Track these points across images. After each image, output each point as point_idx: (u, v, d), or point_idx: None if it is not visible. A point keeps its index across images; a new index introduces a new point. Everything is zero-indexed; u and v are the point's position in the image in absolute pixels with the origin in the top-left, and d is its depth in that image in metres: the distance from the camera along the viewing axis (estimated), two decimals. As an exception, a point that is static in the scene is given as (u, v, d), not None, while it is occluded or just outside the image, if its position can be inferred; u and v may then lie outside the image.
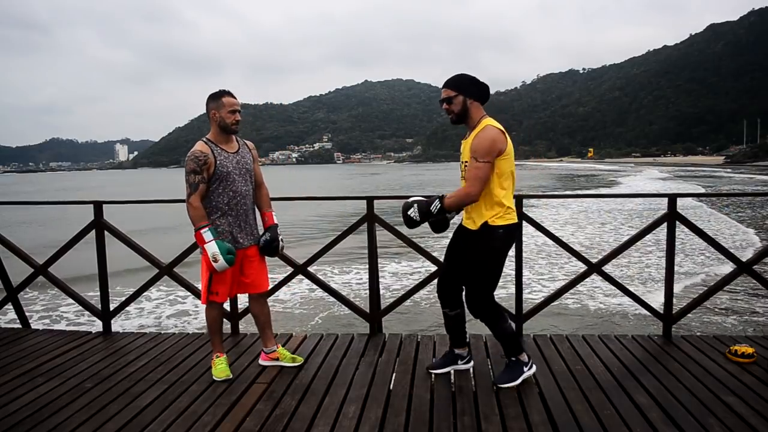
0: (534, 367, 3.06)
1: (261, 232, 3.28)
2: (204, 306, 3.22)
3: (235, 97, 3.11)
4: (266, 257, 3.31)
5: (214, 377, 3.14)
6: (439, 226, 2.99)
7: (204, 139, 3.09)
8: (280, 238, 3.24)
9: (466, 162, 2.87)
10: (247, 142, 3.29)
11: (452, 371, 3.17)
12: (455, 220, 3.10)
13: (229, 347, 3.71)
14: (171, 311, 8.07)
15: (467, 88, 2.87)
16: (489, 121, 2.83)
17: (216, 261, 2.93)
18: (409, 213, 2.91)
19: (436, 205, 2.84)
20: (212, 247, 2.93)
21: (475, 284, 2.92)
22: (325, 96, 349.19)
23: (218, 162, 3.03)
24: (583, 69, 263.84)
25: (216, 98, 3.07)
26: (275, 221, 3.29)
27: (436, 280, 4.24)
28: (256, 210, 3.30)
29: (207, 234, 2.95)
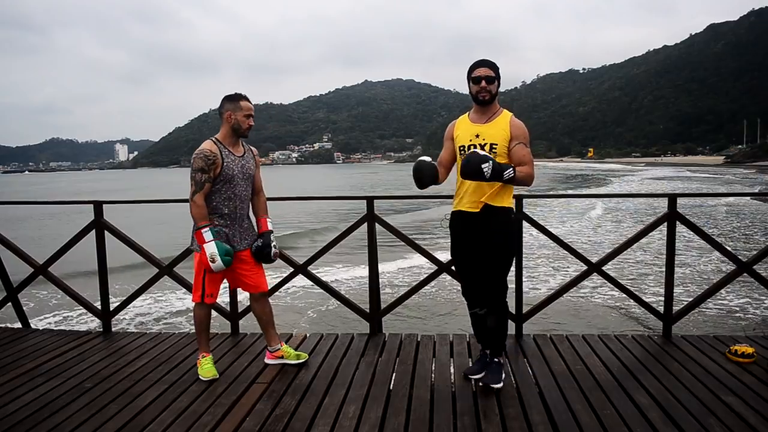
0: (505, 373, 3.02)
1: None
2: (192, 304, 3.25)
3: (251, 103, 3.15)
4: None
5: (200, 377, 3.14)
6: (428, 180, 2.91)
7: (213, 139, 3.10)
8: (273, 244, 3.26)
9: (494, 144, 2.84)
10: (252, 148, 3.32)
11: (452, 370, 3.16)
12: (445, 212, 3.07)
13: (229, 347, 3.71)
14: (171, 311, 8.08)
15: (499, 77, 2.93)
16: (510, 113, 2.92)
17: (213, 261, 2.95)
18: (483, 167, 2.65)
19: (509, 173, 2.73)
20: (211, 248, 2.95)
21: (502, 267, 2.91)
22: (325, 96, 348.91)
23: (225, 164, 3.05)
24: (583, 69, 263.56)
25: (234, 100, 3.09)
26: (269, 228, 3.31)
27: (435, 281, 4.27)
28: (251, 215, 3.33)
29: (207, 234, 2.97)
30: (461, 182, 2.93)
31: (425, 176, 2.90)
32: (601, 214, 19.45)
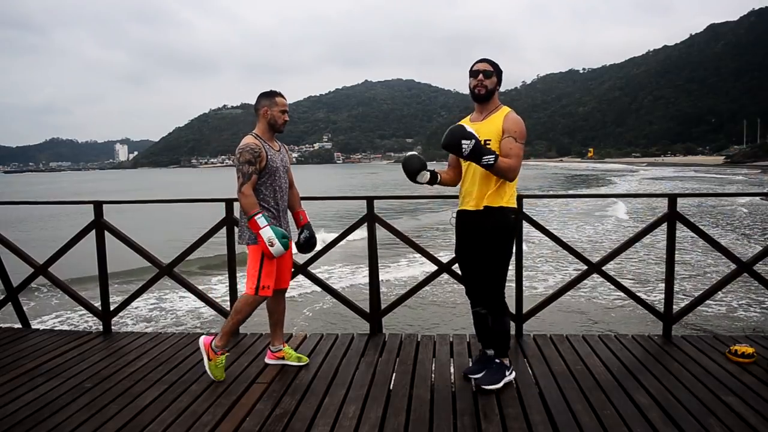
0: (514, 373, 3.00)
1: (293, 232, 3.37)
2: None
3: (286, 99, 3.21)
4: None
5: (209, 372, 3.10)
6: (415, 169, 2.93)
7: (252, 134, 3.17)
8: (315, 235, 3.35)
9: (487, 140, 2.84)
10: (284, 144, 3.39)
11: (452, 370, 3.16)
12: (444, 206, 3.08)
13: (229, 347, 3.70)
14: (171, 311, 8.08)
15: (500, 74, 2.95)
16: (510, 109, 2.91)
17: (272, 245, 2.97)
18: (462, 142, 2.65)
19: (489, 159, 2.70)
20: (267, 232, 2.97)
21: (497, 267, 2.90)
22: (325, 96, 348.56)
23: (269, 157, 3.11)
24: (583, 69, 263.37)
25: (270, 96, 3.17)
26: (308, 219, 3.39)
27: (436, 280, 4.27)
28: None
29: (261, 219, 2.99)
30: (464, 182, 2.98)
31: (410, 169, 2.93)
32: (624, 214, 19.27)
